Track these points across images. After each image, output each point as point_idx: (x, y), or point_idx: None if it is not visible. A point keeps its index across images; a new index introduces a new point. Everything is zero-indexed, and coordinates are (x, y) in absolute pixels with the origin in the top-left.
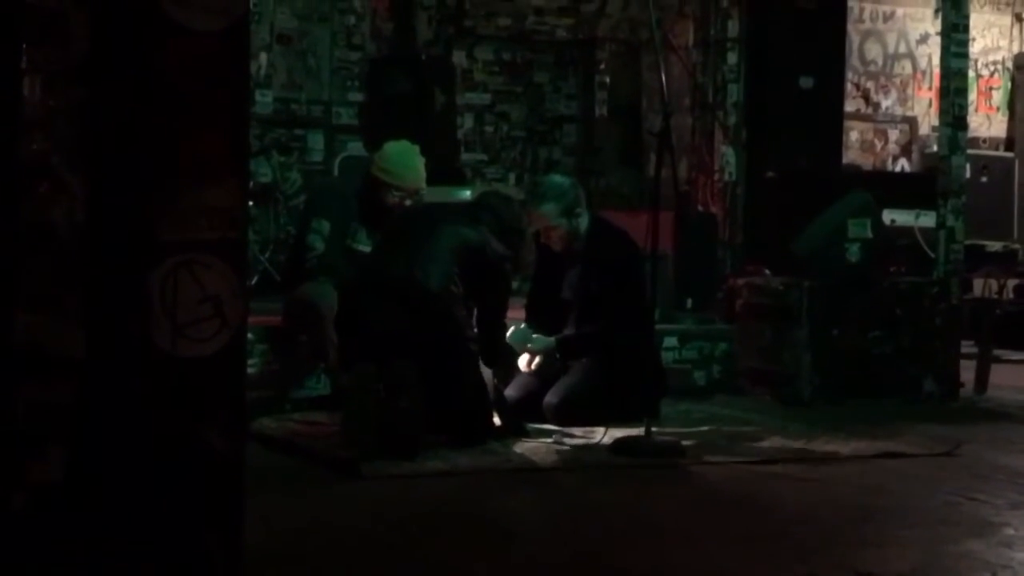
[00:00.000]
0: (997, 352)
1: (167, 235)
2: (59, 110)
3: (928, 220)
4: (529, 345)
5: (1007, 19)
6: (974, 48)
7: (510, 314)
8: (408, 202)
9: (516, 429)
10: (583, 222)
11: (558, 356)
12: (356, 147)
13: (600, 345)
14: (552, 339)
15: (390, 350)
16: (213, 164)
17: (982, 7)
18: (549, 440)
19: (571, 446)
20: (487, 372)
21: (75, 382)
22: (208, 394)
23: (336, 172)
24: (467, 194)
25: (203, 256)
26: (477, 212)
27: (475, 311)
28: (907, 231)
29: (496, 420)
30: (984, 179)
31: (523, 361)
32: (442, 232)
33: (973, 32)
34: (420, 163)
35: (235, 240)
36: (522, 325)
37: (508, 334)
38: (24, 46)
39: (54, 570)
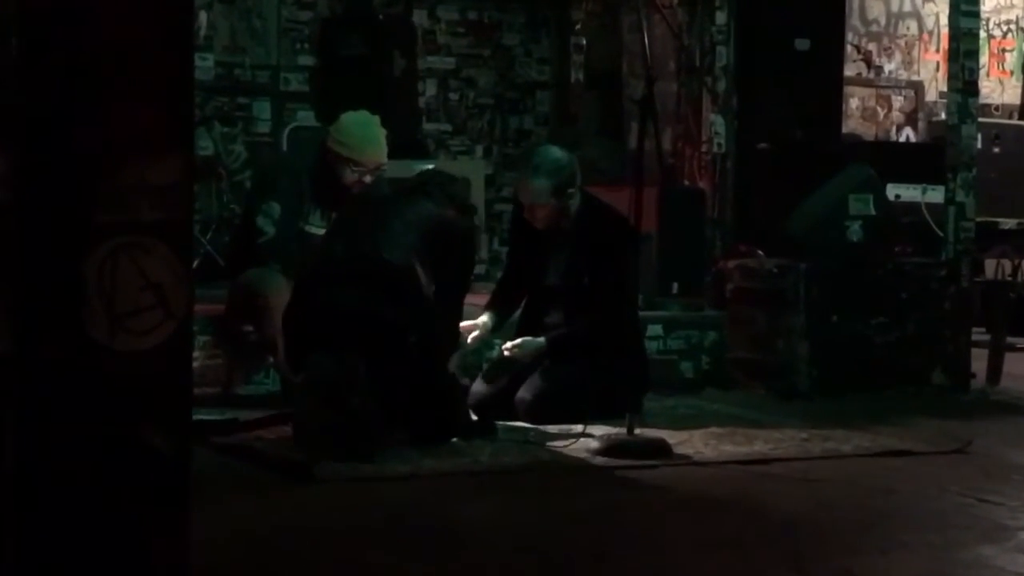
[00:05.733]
0: (1011, 340)
1: (103, 216)
2: None
3: (936, 195)
4: (515, 348)
5: None
6: (985, 6)
7: (472, 299)
8: (368, 179)
9: (485, 428)
10: (575, 203)
11: (547, 360)
12: (307, 116)
13: (592, 343)
14: (542, 340)
15: (349, 339)
16: (154, 137)
17: None
18: (521, 440)
19: (545, 446)
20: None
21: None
22: (150, 391)
23: (285, 144)
24: (430, 168)
25: (144, 239)
26: (427, 189)
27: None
28: (913, 207)
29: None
30: (997, 149)
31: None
32: (403, 208)
33: None
34: (381, 135)
35: (179, 221)
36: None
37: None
38: None
39: None
